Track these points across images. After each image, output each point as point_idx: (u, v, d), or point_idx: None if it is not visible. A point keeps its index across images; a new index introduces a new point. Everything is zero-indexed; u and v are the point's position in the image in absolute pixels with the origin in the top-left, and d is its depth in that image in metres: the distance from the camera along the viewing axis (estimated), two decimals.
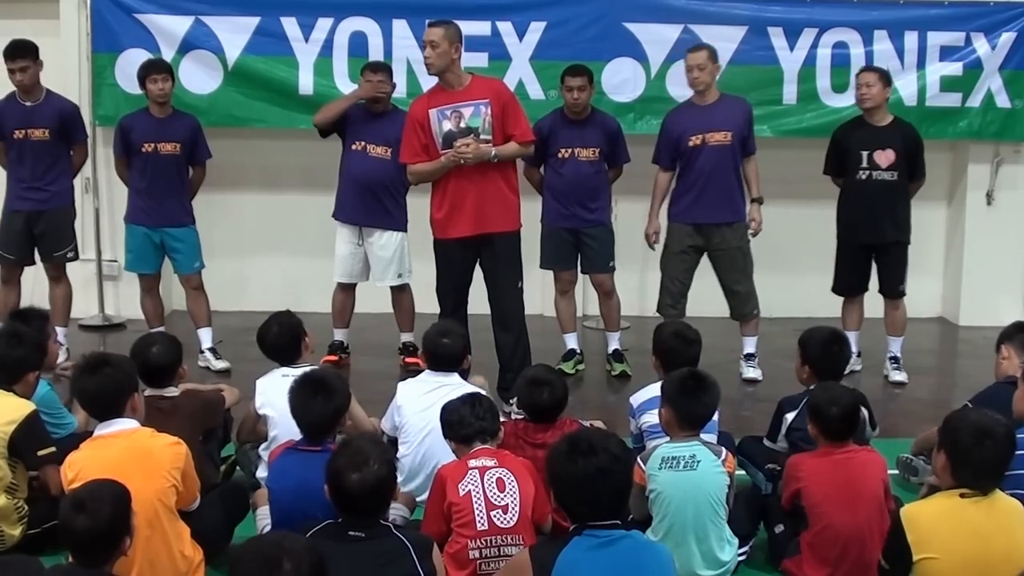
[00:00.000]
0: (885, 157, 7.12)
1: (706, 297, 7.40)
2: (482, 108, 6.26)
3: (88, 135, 7.66)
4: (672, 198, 7.27)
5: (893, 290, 7.36)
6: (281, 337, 5.28)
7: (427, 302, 7.53)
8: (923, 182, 7.52)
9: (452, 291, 6.50)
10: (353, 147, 7.25)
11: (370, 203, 7.24)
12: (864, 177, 7.16)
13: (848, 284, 7.41)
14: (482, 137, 6.25)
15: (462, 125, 6.26)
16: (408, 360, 7.45)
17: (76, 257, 7.60)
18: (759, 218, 7.21)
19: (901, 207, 7.27)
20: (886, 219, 7.19)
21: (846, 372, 7.01)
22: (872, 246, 7.26)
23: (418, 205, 7.57)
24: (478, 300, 6.63)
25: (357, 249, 7.37)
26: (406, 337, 7.56)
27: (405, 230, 7.36)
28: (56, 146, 7.34)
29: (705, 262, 7.27)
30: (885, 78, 7.20)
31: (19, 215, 7.33)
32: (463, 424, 4.46)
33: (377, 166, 7.18)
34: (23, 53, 7.11)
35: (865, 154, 7.14)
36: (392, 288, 7.48)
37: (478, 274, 6.58)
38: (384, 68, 7.34)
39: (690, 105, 7.25)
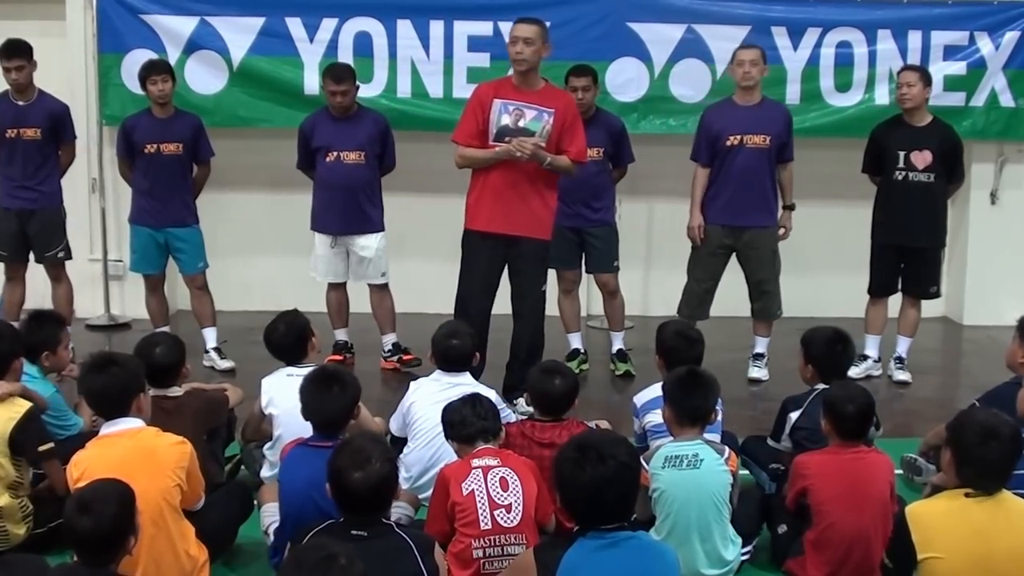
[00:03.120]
0: (922, 158, 7.07)
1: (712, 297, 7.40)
2: (545, 116, 6.22)
3: (76, 136, 7.65)
4: (705, 199, 7.21)
5: (923, 292, 7.33)
6: (287, 336, 5.29)
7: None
8: (961, 185, 7.53)
9: (477, 291, 6.40)
10: (327, 158, 7.19)
11: (350, 210, 7.22)
12: (900, 178, 7.12)
13: (882, 284, 7.37)
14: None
15: (520, 124, 6.22)
16: (406, 357, 7.42)
17: (68, 257, 7.57)
18: (790, 225, 7.24)
19: (936, 210, 7.23)
20: (920, 221, 7.14)
21: (863, 377, 7.09)
22: (905, 247, 7.22)
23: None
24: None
25: (339, 249, 7.35)
26: (392, 338, 7.52)
27: (383, 229, 7.36)
28: (47, 146, 7.34)
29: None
30: (926, 78, 7.13)
31: (11, 214, 7.34)
32: (465, 424, 4.47)
33: (354, 173, 7.18)
34: (19, 52, 7.13)
35: (902, 154, 7.09)
36: (371, 288, 7.46)
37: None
38: (348, 76, 7.20)
39: (731, 103, 7.22)
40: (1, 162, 7.34)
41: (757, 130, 7.04)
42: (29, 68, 7.19)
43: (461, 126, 6.40)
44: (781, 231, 7.24)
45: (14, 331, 4.88)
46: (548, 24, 7.50)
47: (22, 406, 4.53)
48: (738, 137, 7.03)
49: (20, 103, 7.27)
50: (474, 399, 4.60)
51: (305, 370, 4.77)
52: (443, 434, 4.66)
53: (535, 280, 6.47)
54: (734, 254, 7.26)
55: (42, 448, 4.51)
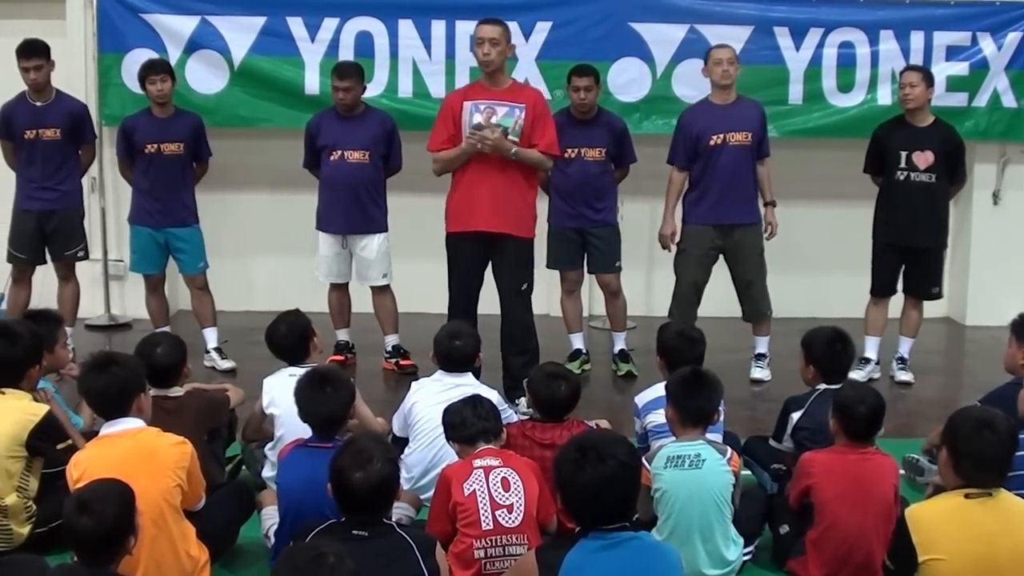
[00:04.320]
0: (923, 159, 7.06)
1: (713, 297, 7.39)
2: (516, 111, 6.26)
3: (96, 135, 7.67)
4: (690, 200, 7.21)
5: (924, 292, 7.32)
6: (289, 337, 5.29)
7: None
8: (963, 185, 7.52)
9: (460, 290, 6.46)
10: (332, 157, 7.18)
11: (353, 210, 7.21)
12: (902, 178, 7.10)
13: (884, 284, 7.36)
14: (509, 138, 6.23)
15: (492, 121, 6.24)
16: (403, 362, 7.39)
17: (86, 256, 7.62)
18: (775, 221, 7.23)
19: (938, 210, 7.23)
20: (922, 222, 7.13)
21: (864, 380, 7.07)
22: (907, 248, 7.21)
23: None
24: (485, 299, 6.63)
25: (342, 251, 7.35)
26: (393, 339, 7.51)
27: (387, 230, 7.35)
28: (66, 146, 7.35)
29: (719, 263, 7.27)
30: (929, 78, 7.13)
31: (30, 215, 7.34)
32: (466, 425, 4.47)
33: (358, 172, 7.16)
34: (37, 52, 7.14)
35: (904, 154, 7.08)
36: (373, 290, 7.45)
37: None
38: (353, 73, 7.21)
39: (708, 104, 7.22)
40: (20, 163, 7.34)
41: (738, 127, 7.04)
42: (47, 68, 7.20)
43: (434, 135, 6.45)
44: (767, 230, 7.23)
45: (36, 338, 4.80)
46: (550, 23, 7.51)
47: (40, 410, 4.54)
48: (721, 136, 7.03)
49: (38, 104, 7.26)
50: (475, 400, 4.60)
51: (305, 370, 4.76)
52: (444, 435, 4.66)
53: (514, 278, 6.45)
54: (721, 256, 7.24)
55: (61, 446, 4.53)
